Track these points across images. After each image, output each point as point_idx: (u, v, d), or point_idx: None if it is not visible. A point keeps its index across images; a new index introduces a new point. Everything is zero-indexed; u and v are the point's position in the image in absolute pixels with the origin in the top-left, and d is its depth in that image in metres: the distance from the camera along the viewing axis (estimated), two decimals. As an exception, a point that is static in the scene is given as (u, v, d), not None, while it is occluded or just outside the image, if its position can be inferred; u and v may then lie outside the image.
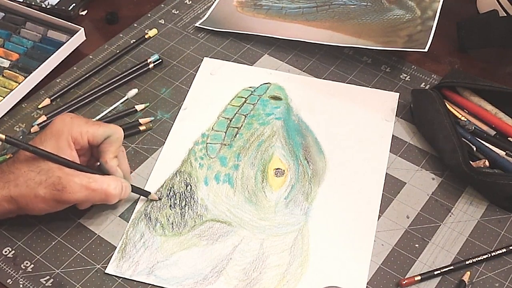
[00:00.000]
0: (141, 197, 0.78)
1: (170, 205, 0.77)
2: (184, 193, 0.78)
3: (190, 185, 0.79)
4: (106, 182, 0.72)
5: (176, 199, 0.78)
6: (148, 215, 0.76)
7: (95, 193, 0.71)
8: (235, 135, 0.84)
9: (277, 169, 0.81)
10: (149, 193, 0.77)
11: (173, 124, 0.86)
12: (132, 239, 0.74)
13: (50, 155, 0.71)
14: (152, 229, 0.75)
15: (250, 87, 0.90)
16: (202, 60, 0.94)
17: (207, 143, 0.83)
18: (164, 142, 0.84)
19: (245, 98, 0.89)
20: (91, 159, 0.76)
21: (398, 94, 0.89)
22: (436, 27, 0.91)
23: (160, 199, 0.77)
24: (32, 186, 0.70)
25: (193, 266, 0.72)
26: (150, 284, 0.71)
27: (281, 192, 0.78)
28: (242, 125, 0.85)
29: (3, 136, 0.69)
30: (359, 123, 0.86)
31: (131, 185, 0.75)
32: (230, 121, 0.86)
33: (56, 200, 0.70)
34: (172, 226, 0.75)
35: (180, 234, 0.74)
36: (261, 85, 0.91)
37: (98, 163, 0.75)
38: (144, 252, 0.73)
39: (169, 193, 0.78)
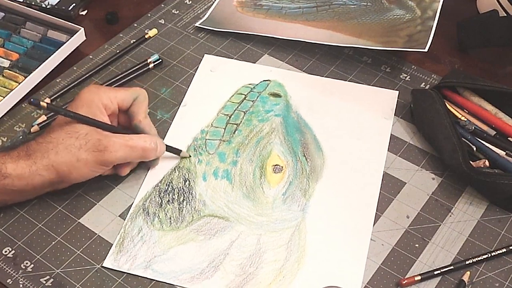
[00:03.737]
0: (140, 192, 0.78)
1: (169, 200, 0.77)
2: (183, 188, 0.78)
3: (189, 181, 0.79)
4: (142, 139, 0.76)
5: (174, 194, 0.78)
6: (146, 210, 0.76)
7: (133, 150, 0.74)
8: (234, 131, 0.84)
9: (275, 165, 0.81)
10: (181, 151, 0.81)
11: (172, 121, 0.86)
12: (130, 233, 0.74)
13: (89, 119, 0.74)
14: (150, 223, 0.75)
15: (250, 84, 0.90)
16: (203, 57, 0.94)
17: (206, 139, 0.83)
18: (163, 139, 0.84)
19: (245, 95, 0.89)
20: (118, 126, 0.79)
21: (397, 92, 0.89)
22: (436, 27, 0.91)
23: (190, 156, 0.80)
24: (74, 151, 0.72)
25: (190, 260, 0.72)
26: (147, 278, 0.71)
27: (279, 188, 0.78)
28: (241, 121, 0.86)
29: (45, 104, 0.72)
30: (358, 121, 0.86)
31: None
32: (230, 117, 0.86)
33: (98, 162, 0.73)
34: (170, 221, 0.75)
35: (177, 229, 0.75)
36: (260, 82, 0.91)
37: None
38: (141, 246, 0.73)
39: (168, 188, 0.78)
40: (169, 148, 0.80)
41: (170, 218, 0.76)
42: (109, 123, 0.76)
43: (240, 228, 0.75)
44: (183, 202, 0.77)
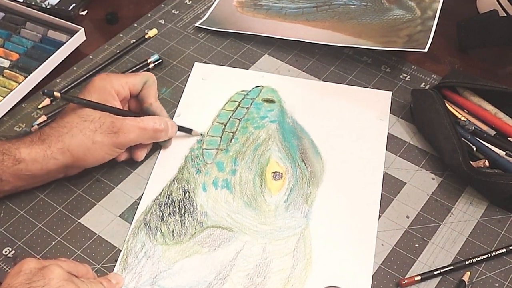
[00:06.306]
0: (140, 206, 0.77)
1: (170, 213, 0.76)
2: (183, 200, 0.78)
3: (189, 192, 0.78)
4: (152, 120, 0.78)
5: (175, 207, 0.77)
6: (148, 224, 0.75)
7: (145, 131, 0.77)
8: (231, 139, 0.84)
9: (274, 172, 0.80)
10: (191, 130, 0.83)
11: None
12: (133, 249, 0.73)
13: (102, 105, 0.76)
14: (153, 238, 0.74)
15: (243, 91, 0.90)
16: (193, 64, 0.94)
17: (203, 148, 0.83)
18: (161, 146, 0.83)
19: (238, 102, 0.88)
20: (129, 111, 0.81)
21: (390, 92, 0.89)
22: (436, 27, 0.91)
23: (202, 135, 0.83)
24: (88, 134, 0.73)
25: (196, 274, 0.71)
26: (150, 284, 0.71)
27: (281, 196, 0.78)
28: (237, 129, 0.85)
29: (59, 94, 0.74)
30: (354, 123, 0.86)
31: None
32: (225, 126, 0.85)
33: (113, 144, 0.75)
34: (173, 234, 0.75)
35: (181, 242, 0.74)
36: (253, 88, 0.90)
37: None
38: (146, 263, 0.72)
39: (168, 200, 0.78)
40: (180, 128, 0.82)
41: (173, 231, 0.75)
42: (121, 108, 0.78)
43: (245, 238, 0.74)
44: (184, 214, 0.76)
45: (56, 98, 0.75)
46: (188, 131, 0.83)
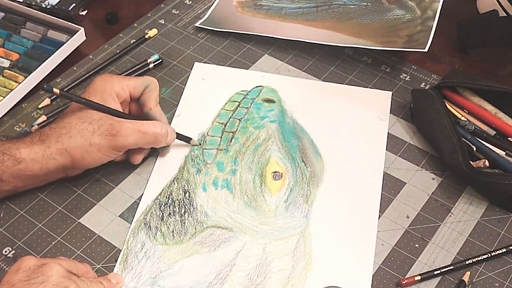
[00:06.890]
0: (140, 206, 0.77)
1: (170, 213, 0.76)
2: (183, 200, 0.78)
3: (189, 192, 0.78)
4: (153, 125, 0.77)
5: (175, 207, 0.77)
6: (148, 224, 0.75)
7: (145, 135, 0.76)
8: (231, 139, 0.84)
9: (275, 172, 0.80)
10: (191, 139, 0.82)
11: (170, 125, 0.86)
12: (133, 249, 0.73)
13: (101, 106, 0.76)
14: (153, 238, 0.74)
15: (243, 91, 0.90)
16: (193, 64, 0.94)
17: (203, 148, 0.83)
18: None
19: (238, 102, 0.88)
20: (129, 114, 0.81)
21: (390, 92, 0.89)
22: (436, 27, 0.91)
23: (200, 144, 0.82)
24: (87, 135, 0.73)
25: (196, 274, 0.71)
26: (150, 284, 0.71)
27: (281, 196, 0.78)
28: (237, 129, 0.85)
29: (58, 91, 0.74)
30: (354, 123, 0.86)
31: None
32: (225, 126, 0.85)
33: (111, 147, 0.74)
34: (173, 234, 0.75)
35: (181, 242, 0.74)
36: (253, 88, 0.90)
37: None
38: (146, 262, 0.72)
39: (168, 200, 0.78)
40: (179, 136, 0.81)
41: (173, 231, 0.75)
42: (121, 110, 0.78)
43: (245, 238, 0.74)
44: (184, 214, 0.76)
45: (56, 94, 0.75)
46: (187, 139, 0.82)
